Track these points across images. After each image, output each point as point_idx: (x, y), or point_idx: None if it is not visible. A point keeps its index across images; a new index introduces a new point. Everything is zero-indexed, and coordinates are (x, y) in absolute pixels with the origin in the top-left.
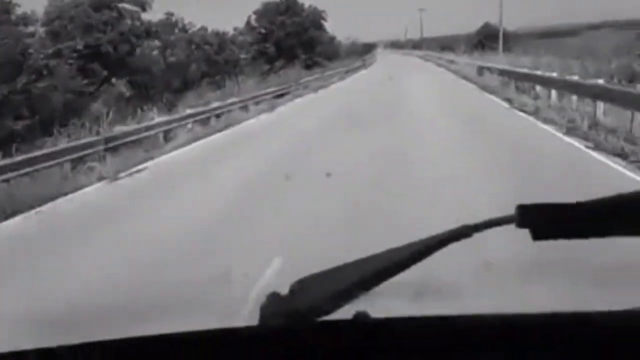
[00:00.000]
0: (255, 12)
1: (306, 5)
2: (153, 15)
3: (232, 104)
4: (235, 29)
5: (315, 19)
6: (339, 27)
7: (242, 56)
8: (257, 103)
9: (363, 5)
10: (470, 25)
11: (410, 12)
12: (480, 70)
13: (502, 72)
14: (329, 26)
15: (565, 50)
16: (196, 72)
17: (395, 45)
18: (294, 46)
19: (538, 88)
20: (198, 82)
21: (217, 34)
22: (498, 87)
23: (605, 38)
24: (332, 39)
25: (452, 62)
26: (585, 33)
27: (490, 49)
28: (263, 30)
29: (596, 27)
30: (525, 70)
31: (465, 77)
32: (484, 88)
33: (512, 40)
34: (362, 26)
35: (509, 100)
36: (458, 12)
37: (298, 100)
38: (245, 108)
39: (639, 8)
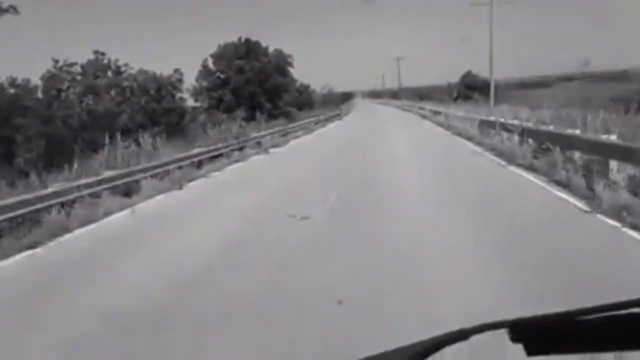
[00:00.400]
0: (212, 55)
1: (271, 49)
2: (82, 56)
3: (100, 182)
4: (175, 70)
5: (280, 64)
6: (317, 76)
7: (197, 104)
8: (164, 175)
9: (341, 54)
10: (446, 75)
11: (388, 61)
12: (485, 125)
13: (527, 133)
14: (306, 75)
15: (555, 101)
16: (128, 123)
17: (374, 94)
18: (255, 94)
19: (615, 167)
20: (131, 135)
21: (154, 77)
22: (528, 158)
23: (585, 89)
24: (306, 87)
25: (437, 113)
26: (559, 85)
27: (473, 99)
28: (222, 75)
29: (569, 79)
30: (577, 132)
31: (459, 134)
32: (501, 155)
33: (495, 91)
34: (340, 75)
35: (582, 196)
36: (434, 62)
37: (233, 167)
38: (137, 183)
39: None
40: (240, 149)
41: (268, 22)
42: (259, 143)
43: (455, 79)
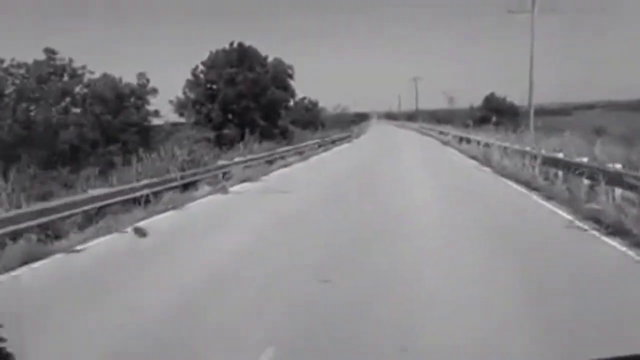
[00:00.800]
0: (203, 63)
1: (271, 58)
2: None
3: None
4: (140, 75)
5: (278, 75)
6: (332, 96)
7: (180, 120)
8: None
9: (358, 75)
10: (465, 97)
11: (405, 83)
12: (554, 166)
13: None
14: (320, 94)
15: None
16: (77, 139)
17: (389, 116)
18: (248, 109)
19: None
20: (80, 155)
21: (114, 84)
22: None
23: (609, 117)
24: (314, 104)
25: (465, 140)
26: (577, 112)
27: (498, 125)
28: (214, 86)
29: (589, 107)
30: None
31: (507, 175)
32: (626, 236)
33: (522, 117)
34: (356, 96)
35: None
36: (453, 84)
37: (151, 222)
38: None
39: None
40: (187, 185)
41: (283, 40)
42: (226, 174)
43: (474, 101)
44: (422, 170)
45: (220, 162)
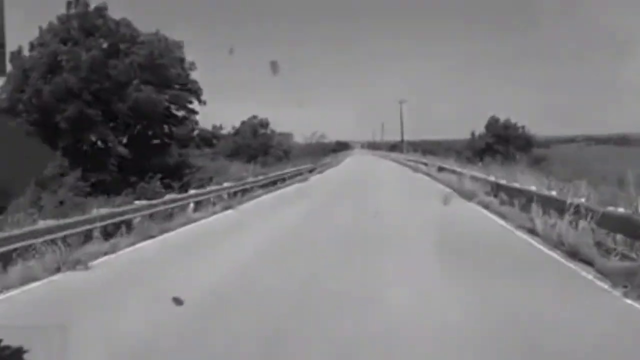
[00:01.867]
0: (31, 43)
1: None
2: None
3: None
4: None
5: (155, 60)
6: (314, 124)
7: None
8: None
9: (341, 104)
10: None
11: (391, 111)
12: None
13: None
14: (302, 123)
15: None
16: None
17: (372, 145)
18: (86, 123)
19: None
20: None
21: None
22: None
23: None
24: (264, 125)
25: (505, 192)
26: (555, 146)
27: (506, 157)
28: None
29: (569, 141)
30: None
31: None
32: None
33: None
34: (340, 124)
35: None
36: (442, 113)
37: None
38: None
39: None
40: None
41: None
42: None
43: (460, 134)
44: None
45: None
